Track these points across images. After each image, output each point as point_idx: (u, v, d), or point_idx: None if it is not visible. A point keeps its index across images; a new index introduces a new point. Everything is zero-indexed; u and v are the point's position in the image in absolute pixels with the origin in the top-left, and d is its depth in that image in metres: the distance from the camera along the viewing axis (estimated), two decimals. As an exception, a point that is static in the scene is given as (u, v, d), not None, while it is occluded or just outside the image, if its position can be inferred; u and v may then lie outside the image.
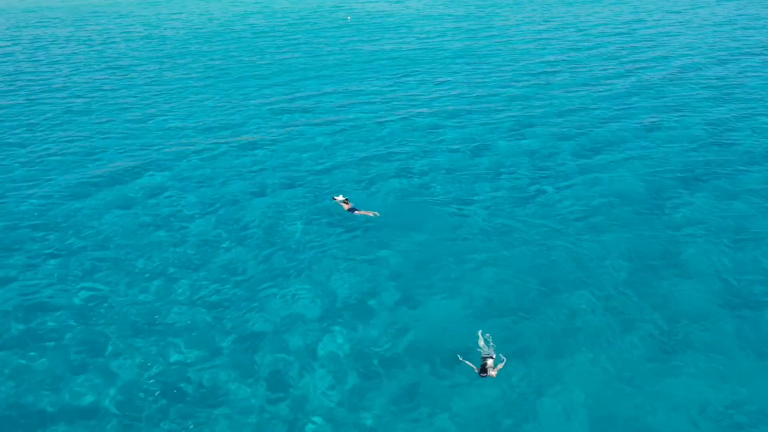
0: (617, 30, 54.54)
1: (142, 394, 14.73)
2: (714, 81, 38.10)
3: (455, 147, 28.70)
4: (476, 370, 14.51)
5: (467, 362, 14.87)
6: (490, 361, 14.58)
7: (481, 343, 15.47)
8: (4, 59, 48.58)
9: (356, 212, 22.05)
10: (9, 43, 54.48)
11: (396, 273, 19.11)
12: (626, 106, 33.73)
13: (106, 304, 17.94)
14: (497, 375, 14.41)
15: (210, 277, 19.14)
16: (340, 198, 22.63)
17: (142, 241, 21.28)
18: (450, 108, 34.32)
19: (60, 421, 14.06)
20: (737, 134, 29.14)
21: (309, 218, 22.53)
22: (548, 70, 41.68)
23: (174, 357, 15.93)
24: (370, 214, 21.91)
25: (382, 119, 32.78)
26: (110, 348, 16.26)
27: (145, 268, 19.66)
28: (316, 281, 18.83)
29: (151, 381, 15.15)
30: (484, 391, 14.45)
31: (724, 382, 14.61)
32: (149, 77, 42.28)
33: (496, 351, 15.16)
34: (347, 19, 63.19)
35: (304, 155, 28.26)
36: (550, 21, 59.61)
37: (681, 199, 23.03)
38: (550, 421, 13.76)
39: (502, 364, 14.68)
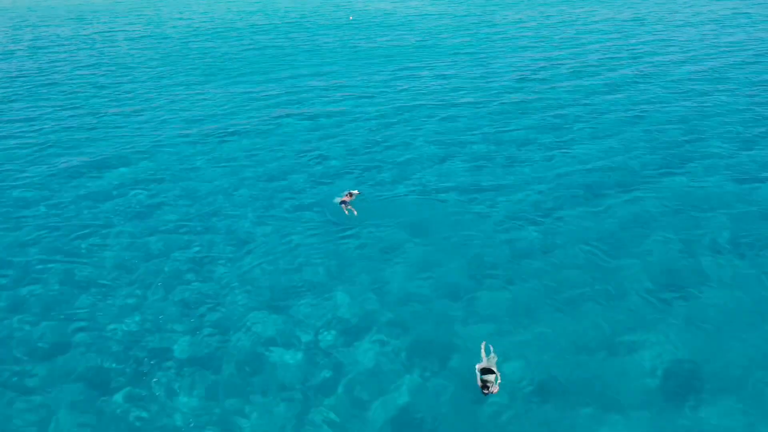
0: (612, 28, 54.80)
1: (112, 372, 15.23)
2: (701, 77, 38.37)
3: (446, 140, 29.08)
4: (479, 384, 14.00)
5: (479, 376, 14.23)
6: (490, 377, 14.03)
7: (483, 354, 15.11)
8: (6, 56, 49.19)
9: (342, 205, 22.33)
10: (11, 40, 55.13)
11: (377, 259, 19.57)
12: (613, 101, 34.09)
13: (95, 286, 18.44)
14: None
15: (200, 261, 19.61)
16: (356, 192, 23.00)
17: (135, 228, 21.74)
18: (443, 103, 34.70)
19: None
20: (712, 131, 29.38)
21: (302, 208, 22.97)
22: (541, 66, 42.00)
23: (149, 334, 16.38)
24: (346, 211, 22.20)
25: (379, 114, 33.16)
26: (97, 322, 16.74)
27: (136, 253, 20.17)
28: (302, 266, 19.27)
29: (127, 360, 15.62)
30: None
31: (670, 351, 15.40)
32: (148, 74, 42.78)
33: (496, 363, 14.82)
34: (349, 18, 63.63)
35: (301, 147, 28.67)
36: (548, 19, 59.94)
37: (648, 192, 23.35)
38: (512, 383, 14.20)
39: (499, 382, 14.17)
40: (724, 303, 17.06)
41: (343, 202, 22.39)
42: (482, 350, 15.27)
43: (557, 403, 14.02)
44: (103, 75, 42.56)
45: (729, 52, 44.67)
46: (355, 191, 23.14)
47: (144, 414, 14.03)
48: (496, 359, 14.95)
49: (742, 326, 16.14)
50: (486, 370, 14.27)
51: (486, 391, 13.85)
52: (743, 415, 13.59)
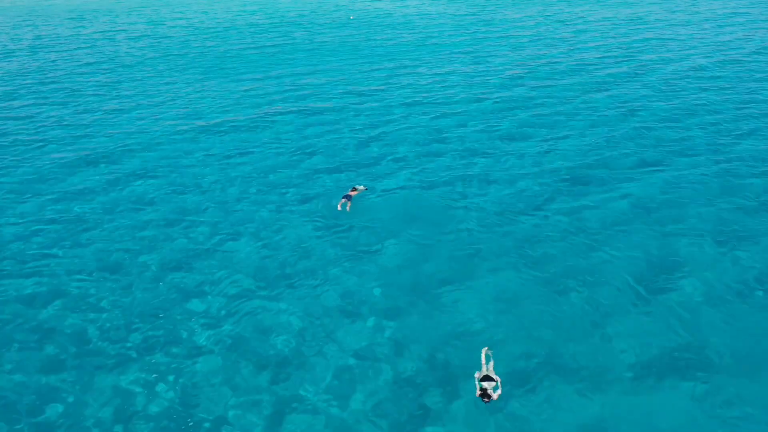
0: (608, 27, 55.11)
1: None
2: (694, 76, 38.69)
3: (442, 137, 29.42)
4: (478, 393, 13.79)
5: (477, 383, 14.01)
6: (488, 384, 13.82)
7: (483, 361, 14.84)
8: (7, 55, 49.56)
9: (343, 199, 22.59)
10: (11, 40, 55.50)
11: (371, 252, 19.89)
12: (607, 98, 34.44)
13: (94, 278, 18.78)
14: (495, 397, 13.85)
15: (195, 253, 19.95)
16: (361, 188, 23.30)
17: (133, 221, 22.08)
18: (440, 100, 35.03)
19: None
20: (702, 128, 29.67)
21: (298, 202, 23.34)
22: (538, 64, 42.31)
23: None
24: (339, 207, 22.47)
25: (377, 111, 33.48)
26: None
27: (134, 245, 20.51)
28: (297, 259, 19.59)
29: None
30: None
31: (651, 338, 15.86)
32: (148, 72, 43.13)
33: (495, 369, 14.64)
34: (350, 18, 63.98)
35: (299, 144, 28.99)
36: (547, 19, 60.26)
37: (637, 188, 23.66)
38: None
39: (500, 390, 13.91)
40: (704, 292, 17.43)
41: (347, 196, 22.64)
42: (482, 357, 14.99)
43: (545, 389, 14.35)
44: (102, 73, 42.91)
45: (721, 51, 44.95)
46: (361, 187, 23.40)
47: (137, 400, 14.33)
48: (490, 353, 15.10)
49: (722, 315, 16.55)
50: (485, 378, 14.06)
51: (486, 399, 13.60)
52: (718, 397, 14.02)
